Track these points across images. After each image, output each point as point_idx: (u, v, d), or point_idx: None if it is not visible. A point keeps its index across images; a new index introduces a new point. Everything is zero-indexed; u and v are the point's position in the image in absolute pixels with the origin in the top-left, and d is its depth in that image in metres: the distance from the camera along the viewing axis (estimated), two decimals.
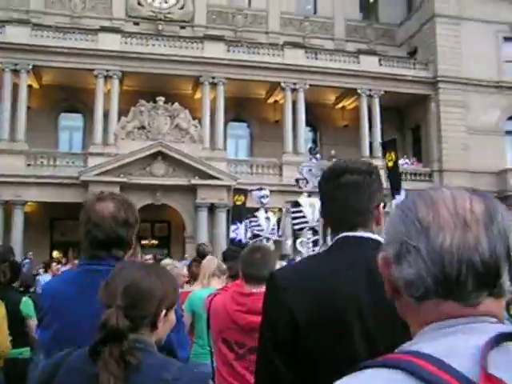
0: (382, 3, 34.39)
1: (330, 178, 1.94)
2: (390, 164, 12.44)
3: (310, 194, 14.08)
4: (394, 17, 33.89)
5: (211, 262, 5.33)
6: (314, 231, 14.09)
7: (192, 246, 24.52)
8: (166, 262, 6.29)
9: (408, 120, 31.49)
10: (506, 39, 30.94)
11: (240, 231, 19.19)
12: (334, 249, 1.86)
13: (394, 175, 12.52)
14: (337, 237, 1.88)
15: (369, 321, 1.67)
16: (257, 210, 14.81)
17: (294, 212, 14.01)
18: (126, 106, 25.13)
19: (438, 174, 28.76)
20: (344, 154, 28.99)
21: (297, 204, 14.12)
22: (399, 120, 32.06)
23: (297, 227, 13.92)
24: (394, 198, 12.09)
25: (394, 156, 12.47)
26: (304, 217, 13.70)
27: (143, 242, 26.59)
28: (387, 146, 13.17)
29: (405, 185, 27.34)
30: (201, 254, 7.59)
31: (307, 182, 14.26)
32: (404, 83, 29.10)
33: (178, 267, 6.07)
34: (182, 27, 30.27)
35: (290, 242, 18.06)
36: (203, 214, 24.74)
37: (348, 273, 1.73)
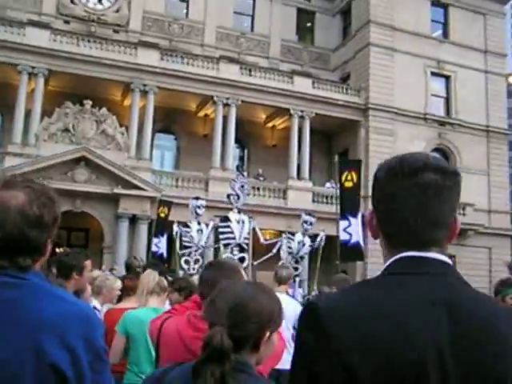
0: (318, 28, 34.79)
1: (401, 173, 1.38)
2: (349, 184, 12.05)
3: (239, 211, 13.76)
4: (329, 42, 34.31)
5: (150, 277, 4.65)
6: (241, 248, 13.79)
7: (110, 256, 23.60)
8: (96, 273, 5.55)
9: (336, 144, 31.71)
10: (433, 74, 31.89)
11: (162, 244, 18.54)
12: (395, 274, 1.32)
13: (352, 196, 12.11)
14: (396, 257, 1.35)
15: (452, 380, 1.18)
16: (185, 224, 14.20)
17: (221, 227, 13.66)
18: (50, 107, 23.95)
19: (364, 200, 28.88)
20: (272, 174, 29.00)
21: (226, 219, 13.81)
22: (327, 144, 32.25)
23: (223, 242, 13.56)
24: (346, 219, 11.71)
25: (355, 176, 12.08)
26: (232, 232, 13.41)
27: (57, 249, 25.25)
28: (349, 165, 12.77)
29: (329, 208, 27.71)
30: (129, 268, 6.94)
31: (238, 198, 13.94)
32: (335, 107, 29.32)
33: (110, 279, 5.40)
34: (116, 31, 29.32)
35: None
36: (124, 225, 23.81)
37: (424, 312, 1.23)
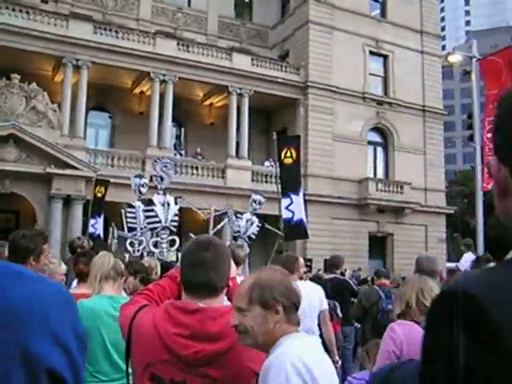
0: (256, 4, 34.24)
1: None
2: (288, 161, 11.59)
3: (165, 192, 13.23)
4: (268, 19, 33.85)
5: (104, 260, 3.99)
6: (171, 231, 13.32)
7: None
8: None
9: (275, 123, 31.37)
10: (372, 53, 31.94)
11: (99, 225, 17.81)
12: None
13: (292, 173, 11.68)
14: None
15: None
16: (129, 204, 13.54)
17: (146, 211, 13.12)
18: None
19: (303, 178, 28.79)
20: (210, 152, 28.44)
21: (150, 202, 13.26)
22: (266, 122, 31.88)
23: (149, 226, 13.01)
24: (287, 197, 11.29)
25: (294, 153, 11.62)
26: (156, 216, 12.90)
27: None
28: (288, 142, 12.29)
29: (268, 187, 27.44)
30: (73, 250, 6.29)
31: (162, 180, 13.32)
32: (274, 85, 28.94)
33: (53, 263, 4.73)
34: (44, 1, 27.81)
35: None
36: (57, 206, 22.78)
37: None
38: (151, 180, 13.70)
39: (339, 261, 8.27)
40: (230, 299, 2.50)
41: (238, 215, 16.91)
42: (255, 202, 16.78)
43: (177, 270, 2.51)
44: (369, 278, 16.70)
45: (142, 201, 12.61)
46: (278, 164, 11.77)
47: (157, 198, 13.08)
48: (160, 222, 12.87)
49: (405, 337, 3.37)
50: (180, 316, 2.16)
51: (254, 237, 15.75)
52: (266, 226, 18.25)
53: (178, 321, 2.15)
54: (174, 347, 2.12)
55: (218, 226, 15.56)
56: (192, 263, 2.25)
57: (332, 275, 7.94)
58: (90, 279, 3.93)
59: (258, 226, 17.12)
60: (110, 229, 15.54)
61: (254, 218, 16.60)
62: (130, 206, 12.69)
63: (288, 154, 11.59)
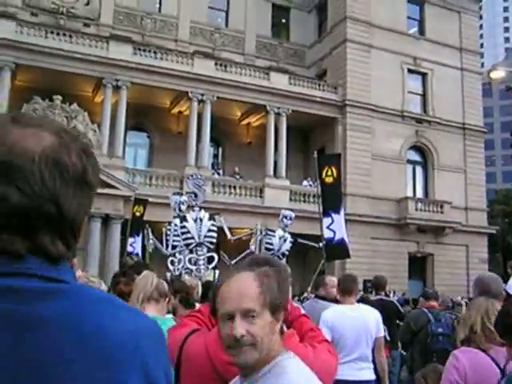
0: (293, 24, 34.36)
1: None
2: (329, 180, 11.41)
3: (200, 208, 13.18)
4: (305, 38, 33.90)
5: (148, 280, 3.84)
6: (208, 248, 13.20)
7: (82, 258, 22.71)
8: (78, 273, 4.65)
9: (313, 142, 31.22)
10: (410, 71, 31.66)
11: (137, 244, 17.85)
12: None
13: (333, 192, 11.49)
14: None
15: None
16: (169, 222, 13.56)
17: (181, 227, 13.08)
18: (18, 103, 22.90)
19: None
20: (248, 172, 28.41)
21: (183, 219, 13.19)
22: (304, 141, 31.78)
23: (184, 243, 12.96)
24: (328, 216, 11.10)
25: (335, 171, 11.44)
26: (188, 232, 12.82)
27: None
28: (328, 160, 12.12)
29: (307, 207, 27.23)
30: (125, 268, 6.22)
31: (196, 196, 13.29)
32: (312, 104, 28.86)
33: (93, 282, 4.61)
34: (86, 25, 28.38)
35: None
36: (96, 225, 22.96)
37: None
38: (185, 196, 13.72)
39: (384, 281, 8.00)
40: (288, 326, 2.35)
41: (270, 232, 16.74)
42: (286, 217, 16.60)
43: None
44: (410, 299, 16.32)
45: (179, 218, 12.61)
46: (318, 183, 11.58)
47: (190, 215, 13.06)
48: (193, 238, 12.81)
49: (469, 365, 3.15)
50: None
51: (287, 253, 15.56)
52: (299, 240, 18.00)
53: None
54: (227, 377, 1.97)
55: (252, 247, 15.38)
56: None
57: (378, 297, 7.68)
58: (132, 300, 3.78)
59: (291, 243, 16.93)
60: (147, 238, 15.52)
61: (287, 235, 16.41)
62: (170, 224, 12.73)
63: (329, 173, 11.40)
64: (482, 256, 31.49)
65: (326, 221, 11.16)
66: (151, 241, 15.08)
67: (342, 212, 11.30)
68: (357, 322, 5.45)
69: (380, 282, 7.77)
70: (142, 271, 6.46)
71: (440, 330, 6.61)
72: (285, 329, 2.25)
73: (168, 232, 12.91)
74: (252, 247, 15.52)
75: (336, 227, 11.14)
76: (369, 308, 5.71)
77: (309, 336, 2.27)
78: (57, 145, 0.96)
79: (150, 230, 15.54)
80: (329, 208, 11.28)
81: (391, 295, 15.32)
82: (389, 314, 7.29)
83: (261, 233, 15.43)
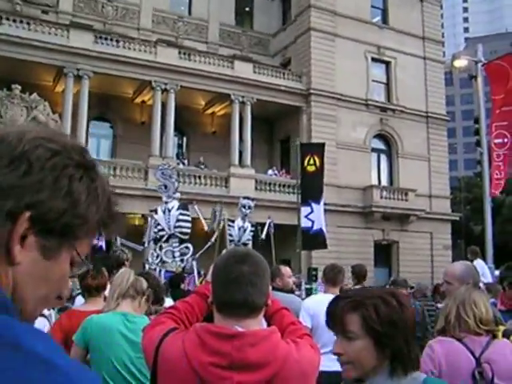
0: (257, 12, 34.13)
1: None
2: (311, 169, 11.27)
3: (166, 202, 12.86)
4: (269, 27, 33.72)
5: (124, 277, 3.70)
6: (181, 239, 12.91)
7: None
8: None
9: (278, 131, 31.18)
10: (374, 60, 31.76)
11: (101, 237, 17.52)
12: None
13: (315, 181, 11.31)
14: None
15: None
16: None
17: (154, 221, 12.85)
18: None
19: None
20: (213, 161, 28.18)
21: (155, 212, 13.05)
22: (269, 131, 31.69)
23: (158, 235, 12.71)
24: (308, 205, 10.97)
25: (318, 160, 11.29)
26: (158, 224, 12.55)
27: None
28: (312, 149, 11.94)
29: (272, 196, 27.17)
30: (119, 264, 5.96)
31: (165, 187, 12.94)
32: (277, 93, 28.75)
33: None
34: (44, 12, 27.63)
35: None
36: None
37: None
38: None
39: (364, 270, 7.90)
40: (268, 320, 2.21)
41: (230, 223, 16.54)
42: (244, 207, 16.42)
43: (206, 285, 2.22)
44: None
45: (154, 211, 12.37)
46: (299, 171, 11.42)
47: (161, 207, 12.76)
48: (163, 229, 12.52)
49: (443, 355, 3.08)
50: (215, 343, 1.85)
51: (248, 243, 15.43)
52: (270, 225, 17.82)
53: (213, 348, 1.84)
54: (209, 379, 1.82)
55: (212, 239, 15.19)
56: (227, 279, 1.93)
57: (359, 286, 7.55)
58: (108, 297, 3.65)
59: (251, 231, 16.75)
60: (114, 239, 15.22)
61: (247, 224, 16.25)
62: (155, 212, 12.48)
63: (311, 162, 11.30)
64: (446, 243, 31.92)
65: (305, 210, 11.06)
66: (118, 241, 14.80)
67: (321, 202, 11.22)
68: None
69: (361, 271, 7.67)
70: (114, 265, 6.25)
71: None
72: (264, 324, 2.12)
73: (152, 224, 12.65)
74: (213, 239, 15.34)
75: (315, 217, 11.06)
76: None
77: (290, 330, 2.15)
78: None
79: (118, 238, 15.25)
80: (309, 197, 11.17)
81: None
82: None
83: (221, 215, 15.20)
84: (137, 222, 24.49)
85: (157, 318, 2.24)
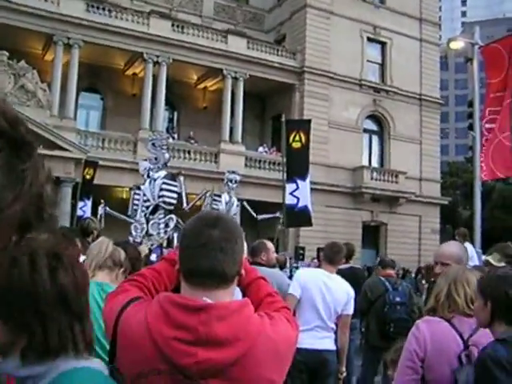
0: None
1: None
2: (297, 145, 11.03)
3: (149, 172, 12.54)
4: (264, 2, 33.31)
5: (101, 248, 3.46)
6: (165, 210, 12.63)
7: None
8: None
9: (270, 108, 30.88)
10: (370, 40, 31.40)
11: (87, 208, 17.33)
12: None
13: (300, 158, 11.10)
14: None
15: None
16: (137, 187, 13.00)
17: (136, 193, 12.53)
18: None
19: None
20: (203, 137, 27.88)
21: (144, 183, 12.75)
22: (261, 107, 31.40)
23: (144, 206, 12.42)
24: (293, 182, 10.78)
25: (304, 137, 11.06)
26: (145, 195, 12.25)
27: None
28: (297, 125, 11.72)
29: (262, 173, 26.97)
30: (86, 234, 5.83)
31: (156, 159, 12.63)
32: (270, 69, 28.41)
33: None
34: None
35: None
36: None
37: None
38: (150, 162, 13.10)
39: (353, 250, 7.77)
40: (243, 291, 2.01)
41: (216, 197, 16.37)
42: (231, 181, 16.29)
43: (176, 251, 1.94)
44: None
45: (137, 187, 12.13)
46: (284, 147, 11.21)
47: (149, 178, 12.49)
48: (147, 200, 12.25)
49: (429, 335, 2.93)
50: (180, 315, 1.65)
51: (236, 218, 15.24)
52: (245, 204, 17.70)
53: (177, 322, 1.65)
54: (172, 355, 1.62)
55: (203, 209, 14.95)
56: (194, 244, 1.70)
57: (347, 265, 7.42)
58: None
59: (237, 206, 16.57)
60: (99, 208, 15.02)
61: (233, 199, 16.10)
62: (138, 188, 12.21)
63: (297, 138, 11.05)
64: (434, 226, 31.92)
65: (290, 187, 10.85)
66: (103, 210, 14.58)
67: (307, 179, 11.01)
68: (328, 291, 5.24)
69: (349, 250, 7.55)
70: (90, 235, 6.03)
71: (397, 299, 6.41)
72: (239, 296, 1.92)
73: (135, 196, 12.39)
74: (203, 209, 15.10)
75: (300, 194, 10.86)
76: (345, 283, 5.44)
77: (266, 302, 1.94)
78: None
79: (104, 207, 15.05)
80: (294, 174, 10.97)
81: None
82: (359, 282, 7.08)
83: (210, 196, 15.08)
84: (124, 196, 24.23)
85: (121, 285, 2.01)
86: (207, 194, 15.10)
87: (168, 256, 2.09)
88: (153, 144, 12.60)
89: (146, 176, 12.31)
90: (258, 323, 1.70)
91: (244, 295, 1.99)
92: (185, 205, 13.81)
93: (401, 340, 3.36)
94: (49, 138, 22.05)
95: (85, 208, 16.96)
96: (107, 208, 14.92)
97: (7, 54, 22.14)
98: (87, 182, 17.80)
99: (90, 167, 18.50)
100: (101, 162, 20.57)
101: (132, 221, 12.65)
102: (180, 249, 1.77)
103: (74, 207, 19.53)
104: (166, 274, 1.98)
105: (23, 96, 22.50)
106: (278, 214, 18.56)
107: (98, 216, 14.58)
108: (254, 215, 19.01)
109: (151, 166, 12.51)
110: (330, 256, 5.47)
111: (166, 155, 12.74)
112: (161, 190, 12.03)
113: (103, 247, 3.48)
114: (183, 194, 13.83)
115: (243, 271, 1.81)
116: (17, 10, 23.03)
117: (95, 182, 18.96)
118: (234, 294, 1.81)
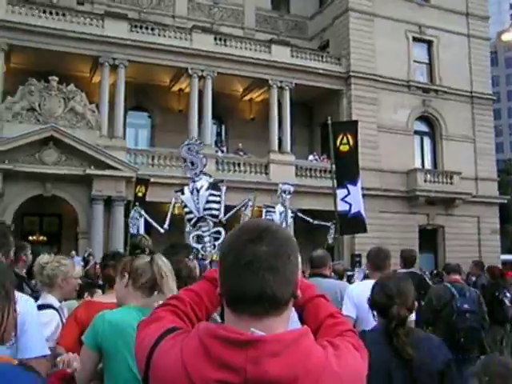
0: None
1: None
2: (345, 148, 10.55)
3: (194, 180, 11.67)
4: (306, 10, 33.04)
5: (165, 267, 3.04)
6: (214, 223, 11.83)
7: (85, 242, 22.26)
8: (45, 258, 4.00)
9: (317, 116, 30.49)
10: (415, 39, 30.76)
11: (140, 225, 17.28)
12: None
13: (350, 162, 10.58)
14: None
15: None
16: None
17: (181, 202, 11.86)
18: (13, 86, 22.33)
19: None
20: (252, 148, 27.73)
21: (182, 192, 11.86)
22: (308, 115, 31.09)
23: (186, 218, 11.73)
24: (344, 187, 10.36)
25: (351, 139, 10.59)
26: (186, 206, 11.58)
27: (30, 237, 23.75)
28: (344, 127, 11.20)
29: (313, 182, 26.59)
30: (136, 248, 5.63)
31: (192, 164, 11.61)
32: (316, 76, 28.10)
33: (65, 264, 3.87)
34: (80, 3, 27.55)
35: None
36: (99, 208, 22.44)
37: None
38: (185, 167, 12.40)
39: (414, 255, 7.34)
40: (299, 313, 1.72)
41: (270, 209, 16.04)
42: (285, 192, 16.01)
43: (217, 269, 1.56)
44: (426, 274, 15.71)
45: (180, 191, 11.61)
46: (332, 151, 10.71)
47: (188, 187, 11.73)
48: (191, 212, 11.56)
49: None
50: (224, 352, 1.33)
51: (290, 229, 14.90)
52: (315, 222, 17.38)
53: (220, 360, 1.33)
54: None
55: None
56: (237, 263, 1.38)
57: (406, 269, 7.00)
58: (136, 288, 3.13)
59: (292, 218, 16.21)
60: (132, 211, 14.72)
61: (287, 210, 15.78)
62: (182, 192, 11.65)
63: (344, 141, 10.53)
64: (494, 227, 30.85)
65: (341, 192, 10.33)
66: (139, 217, 14.35)
67: (358, 183, 10.46)
68: None
69: (409, 257, 7.13)
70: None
71: (466, 306, 5.97)
72: (295, 322, 1.64)
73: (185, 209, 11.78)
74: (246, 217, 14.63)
75: (352, 199, 10.33)
76: None
77: (327, 325, 1.64)
78: None
79: (139, 208, 14.90)
80: (344, 179, 10.44)
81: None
82: (423, 289, 6.59)
83: (248, 208, 14.37)
84: (176, 212, 24.25)
85: (154, 311, 1.66)
86: (249, 203, 14.33)
87: (209, 274, 1.77)
88: (188, 148, 11.80)
89: (190, 187, 11.53)
90: (320, 357, 1.37)
91: (300, 317, 1.71)
92: (222, 215, 12.90)
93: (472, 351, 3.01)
94: (99, 158, 22.33)
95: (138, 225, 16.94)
96: (143, 212, 14.62)
97: (57, 78, 22.62)
98: (139, 200, 17.82)
99: (141, 185, 18.55)
100: (152, 179, 20.66)
101: (162, 230, 12.30)
102: (220, 270, 1.46)
103: (126, 226, 19.62)
104: (206, 296, 1.69)
105: (73, 118, 22.90)
106: (329, 224, 18.19)
107: (130, 219, 14.33)
108: (310, 220, 18.71)
109: (188, 173, 11.83)
110: (377, 263, 5.08)
111: (204, 160, 11.95)
112: (207, 202, 11.38)
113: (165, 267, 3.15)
114: (222, 205, 13.08)
115: (299, 292, 1.47)
116: (64, 37, 23.50)
117: (147, 199, 19.00)
118: (290, 320, 1.47)
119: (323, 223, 18.99)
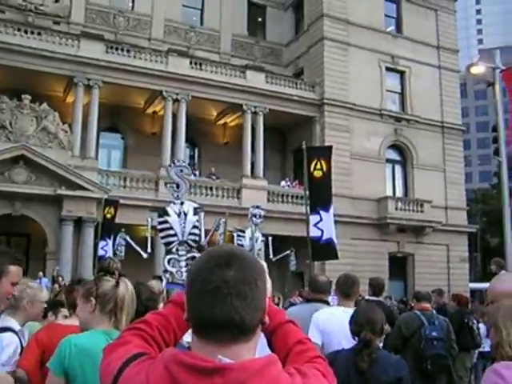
0: (269, 22, 33.84)
1: None
2: (318, 174, 10.57)
3: (182, 202, 11.67)
4: (281, 37, 33.41)
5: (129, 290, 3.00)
6: (190, 246, 11.85)
7: (54, 263, 21.92)
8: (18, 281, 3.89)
9: (290, 142, 30.69)
10: (388, 69, 31.29)
11: (109, 248, 17.14)
12: None
13: (322, 188, 10.58)
14: None
15: None
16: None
17: (159, 223, 11.69)
18: None
19: None
20: (225, 173, 27.75)
21: (164, 213, 11.52)
22: (281, 141, 31.25)
23: (163, 241, 11.58)
24: (316, 213, 10.36)
25: (325, 165, 10.62)
26: (171, 228, 11.44)
27: None
28: (318, 153, 11.21)
29: (285, 207, 26.66)
30: (106, 272, 5.49)
31: (178, 187, 11.44)
32: (290, 103, 28.33)
33: (32, 287, 3.81)
34: (56, 22, 27.46)
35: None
36: (68, 229, 22.15)
37: None
38: (166, 186, 12.49)
39: (383, 283, 7.36)
40: (268, 339, 1.68)
41: (241, 233, 15.99)
42: (255, 216, 15.97)
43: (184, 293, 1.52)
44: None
45: (158, 211, 11.43)
46: (306, 177, 10.74)
47: (172, 208, 11.66)
48: (176, 235, 11.45)
49: None
50: (191, 380, 1.29)
51: (260, 253, 14.91)
52: (268, 241, 17.30)
53: None
54: None
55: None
56: (205, 289, 1.35)
57: (375, 298, 7.03)
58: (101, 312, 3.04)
59: (262, 242, 16.18)
60: (118, 236, 14.66)
61: (258, 234, 15.73)
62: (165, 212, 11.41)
63: (318, 166, 10.57)
64: (463, 255, 31.21)
65: (314, 218, 10.34)
66: (124, 242, 14.26)
67: (331, 210, 10.48)
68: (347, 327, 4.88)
69: (378, 284, 7.17)
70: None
71: (434, 333, 6.02)
72: (264, 349, 1.61)
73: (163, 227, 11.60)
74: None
75: (324, 226, 10.33)
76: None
77: (296, 351, 1.60)
78: None
79: (124, 232, 14.78)
80: (317, 204, 10.45)
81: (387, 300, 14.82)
82: (391, 319, 6.60)
83: (225, 226, 14.55)
84: (147, 234, 24.07)
85: (121, 335, 1.61)
86: (222, 222, 14.53)
87: (177, 298, 1.70)
88: (180, 170, 11.76)
89: (176, 209, 11.38)
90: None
91: (269, 343, 1.69)
92: (203, 240, 12.87)
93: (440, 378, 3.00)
94: (70, 178, 22.12)
95: (106, 248, 16.80)
96: (128, 238, 14.56)
97: (29, 97, 22.44)
98: (108, 222, 17.67)
99: (110, 206, 18.41)
100: (122, 201, 20.52)
101: (145, 255, 12.18)
102: (187, 295, 1.42)
103: (96, 247, 19.40)
104: (174, 320, 1.64)
105: (45, 138, 22.70)
106: (289, 252, 18.40)
107: (116, 245, 14.25)
108: (271, 256, 18.64)
109: (171, 195, 11.78)
110: (345, 290, 5.10)
111: (188, 185, 11.98)
112: (193, 227, 11.30)
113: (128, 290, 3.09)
114: (203, 230, 13.06)
115: (267, 318, 1.44)
116: (39, 56, 23.37)
117: (117, 221, 18.84)
118: (258, 346, 1.43)
119: (282, 254, 19.20)
